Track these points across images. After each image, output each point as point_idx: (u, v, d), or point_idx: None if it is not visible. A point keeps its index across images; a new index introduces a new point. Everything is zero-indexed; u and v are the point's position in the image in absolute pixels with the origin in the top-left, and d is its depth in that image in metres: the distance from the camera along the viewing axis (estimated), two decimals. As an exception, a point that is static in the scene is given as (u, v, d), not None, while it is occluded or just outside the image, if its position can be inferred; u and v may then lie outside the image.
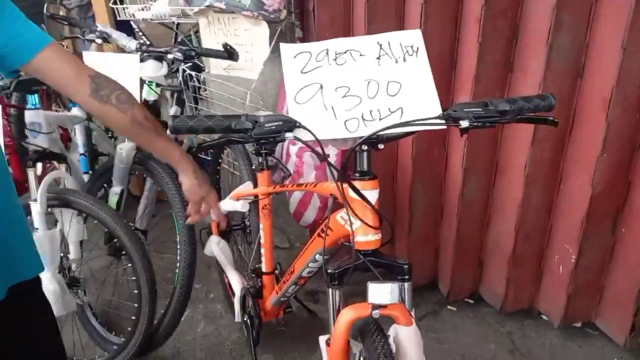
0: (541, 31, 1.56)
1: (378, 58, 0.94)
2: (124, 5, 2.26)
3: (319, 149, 0.89)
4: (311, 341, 1.97)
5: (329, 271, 1.02)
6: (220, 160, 2.23)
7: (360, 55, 0.95)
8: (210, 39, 1.93)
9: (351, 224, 1.00)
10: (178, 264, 1.80)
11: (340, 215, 1.08)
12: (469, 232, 1.99)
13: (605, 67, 1.53)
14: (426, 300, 2.19)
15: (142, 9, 2.19)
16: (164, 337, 1.80)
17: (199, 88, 2.33)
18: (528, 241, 1.89)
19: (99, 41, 1.91)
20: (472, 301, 2.17)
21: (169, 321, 1.78)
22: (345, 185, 0.98)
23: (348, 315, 0.98)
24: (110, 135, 2.48)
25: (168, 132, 1.06)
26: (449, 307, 2.15)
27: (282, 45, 0.96)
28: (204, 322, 2.11)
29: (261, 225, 1.67)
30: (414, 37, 0.96)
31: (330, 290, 1.04)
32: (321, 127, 0.90)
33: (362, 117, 0.90)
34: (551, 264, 1.91)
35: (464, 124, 0.87)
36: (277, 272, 1.70)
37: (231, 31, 1.87)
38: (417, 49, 0.95)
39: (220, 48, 1.84)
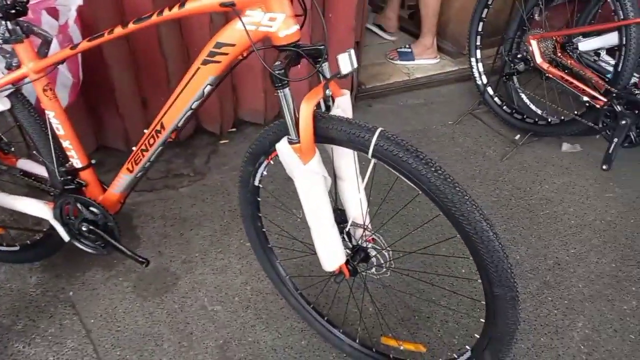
0: None
1: None
2: None
3: None
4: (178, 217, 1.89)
5: (276, 72, 0.99)
6: None
7: None
8: None
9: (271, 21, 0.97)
10: None
11: (248, 21, 1.00)
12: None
13: None
14: (200, 146, 2.23)
15: None
16: None
17: None
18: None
19: None
20: (235, 129, 2.34)
21: None
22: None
23: (310, 102, 1.03)
24: None
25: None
26: (221, 142, 2.27)
27: None
28: None
29: (51, 114, 1.31)
30: None
31: (281, 92, 1.03)
32: None
33: None
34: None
35: None
36: (93, 162, 1.40)
37: None
38: None
39: None
